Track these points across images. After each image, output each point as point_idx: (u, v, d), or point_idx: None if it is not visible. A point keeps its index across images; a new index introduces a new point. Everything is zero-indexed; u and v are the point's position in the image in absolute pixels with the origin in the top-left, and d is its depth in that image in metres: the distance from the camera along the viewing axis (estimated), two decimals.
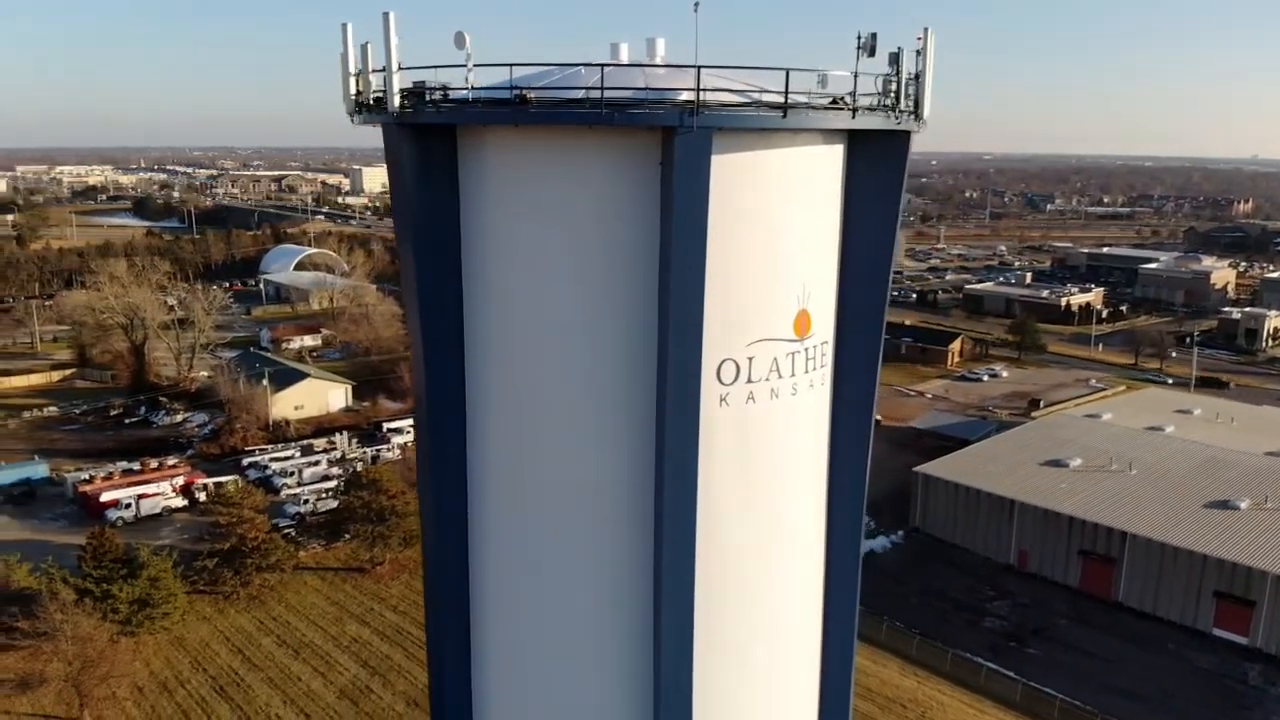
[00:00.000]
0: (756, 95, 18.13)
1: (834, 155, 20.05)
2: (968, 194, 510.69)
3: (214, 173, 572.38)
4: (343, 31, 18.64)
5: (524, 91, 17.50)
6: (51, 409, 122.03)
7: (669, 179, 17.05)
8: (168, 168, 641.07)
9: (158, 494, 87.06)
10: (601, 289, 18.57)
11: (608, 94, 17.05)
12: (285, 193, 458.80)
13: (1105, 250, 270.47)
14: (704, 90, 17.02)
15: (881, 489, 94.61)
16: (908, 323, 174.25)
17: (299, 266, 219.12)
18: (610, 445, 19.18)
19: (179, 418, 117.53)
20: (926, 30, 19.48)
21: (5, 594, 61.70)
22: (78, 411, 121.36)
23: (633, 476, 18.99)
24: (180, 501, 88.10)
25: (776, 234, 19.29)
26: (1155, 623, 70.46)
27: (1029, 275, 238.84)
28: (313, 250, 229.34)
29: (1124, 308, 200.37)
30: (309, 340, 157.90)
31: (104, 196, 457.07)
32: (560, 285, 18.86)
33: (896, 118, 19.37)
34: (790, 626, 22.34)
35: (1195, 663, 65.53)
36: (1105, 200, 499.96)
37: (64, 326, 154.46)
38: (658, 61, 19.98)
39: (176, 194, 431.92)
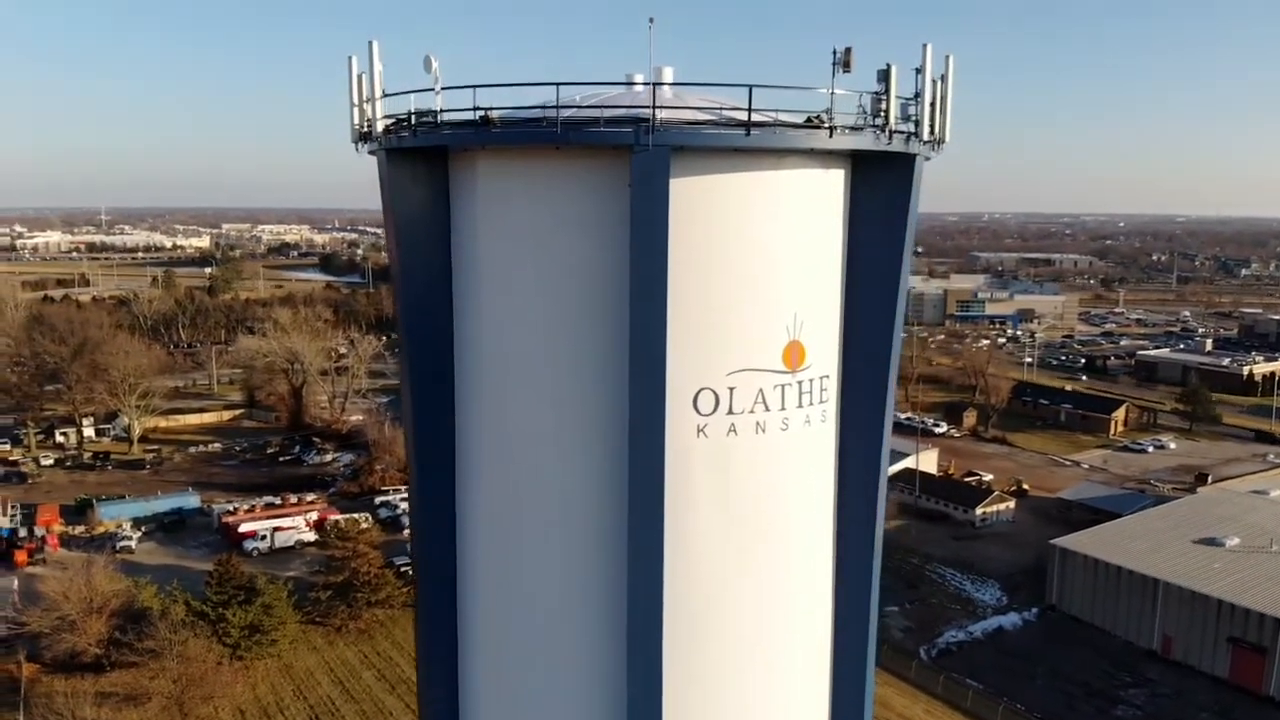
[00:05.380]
0: (724, 114, 17.61)
1: (832, 180, 19.10)
2: (1155, 257, 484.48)
3: None
4: (348, 64, 19.20)
5: (487, 113, 17.60)
6: (215, 445, 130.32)
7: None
8: (358, 227, 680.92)
9: (292, 528, 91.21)
10: (582, 314, 18.33)
11: (572, 114, 17.02)
12: None
13: None
14: (661, 107, 16.68)
15: (1019, 562, 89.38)
16: (1068, 388, 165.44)
17: None
18: (589, 472, 18.76)
19: (328, 457, 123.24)
20: (926, 47, 18.49)
21: (130, 613, 65.55)
22: (238, 448, 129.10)
23: (609, 503, 18.45)
24: (313, 536, 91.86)
25: (760, 261, 18.43)
26: None
27: (1209, 342, 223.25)
28: None
29: None
30: None
31: (296, 253, 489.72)
32: (544, 309, 18.74)
33: (889, 139, 18.32)
34: (784, 676, 20.97)
35: None
36: None
37: (238, 370, 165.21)
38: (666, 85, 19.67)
39: (360, 251, 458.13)
